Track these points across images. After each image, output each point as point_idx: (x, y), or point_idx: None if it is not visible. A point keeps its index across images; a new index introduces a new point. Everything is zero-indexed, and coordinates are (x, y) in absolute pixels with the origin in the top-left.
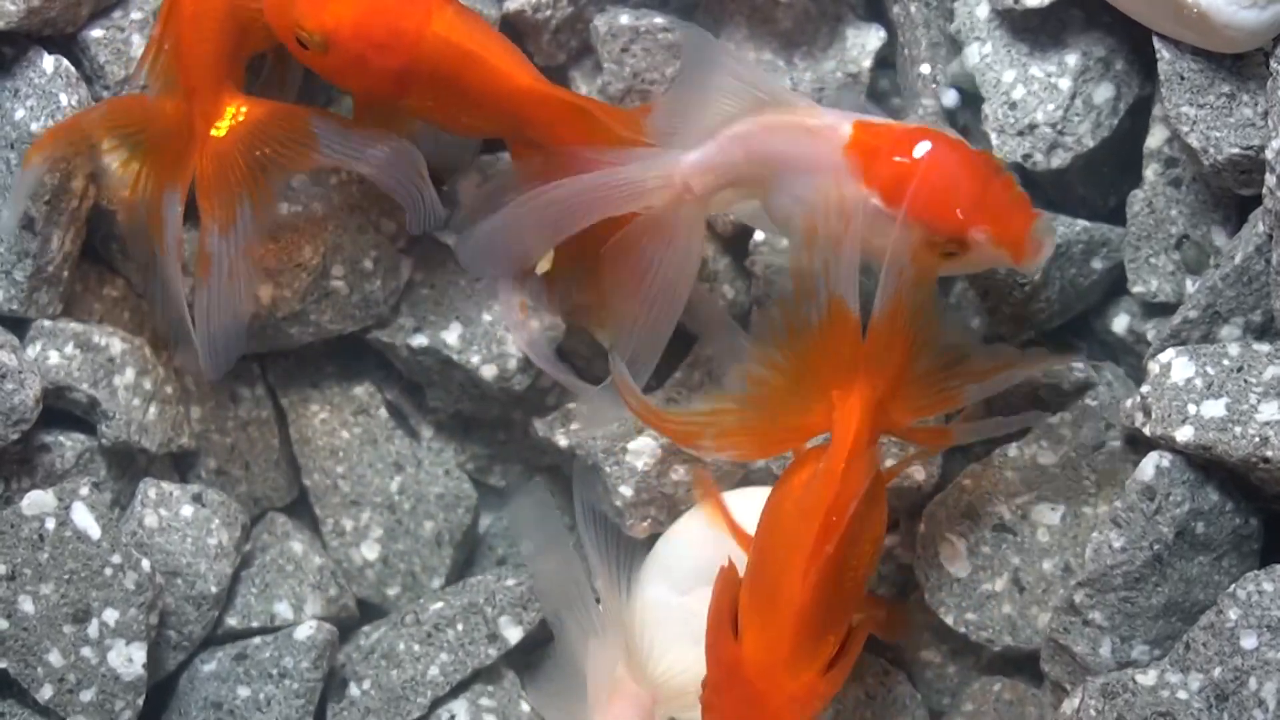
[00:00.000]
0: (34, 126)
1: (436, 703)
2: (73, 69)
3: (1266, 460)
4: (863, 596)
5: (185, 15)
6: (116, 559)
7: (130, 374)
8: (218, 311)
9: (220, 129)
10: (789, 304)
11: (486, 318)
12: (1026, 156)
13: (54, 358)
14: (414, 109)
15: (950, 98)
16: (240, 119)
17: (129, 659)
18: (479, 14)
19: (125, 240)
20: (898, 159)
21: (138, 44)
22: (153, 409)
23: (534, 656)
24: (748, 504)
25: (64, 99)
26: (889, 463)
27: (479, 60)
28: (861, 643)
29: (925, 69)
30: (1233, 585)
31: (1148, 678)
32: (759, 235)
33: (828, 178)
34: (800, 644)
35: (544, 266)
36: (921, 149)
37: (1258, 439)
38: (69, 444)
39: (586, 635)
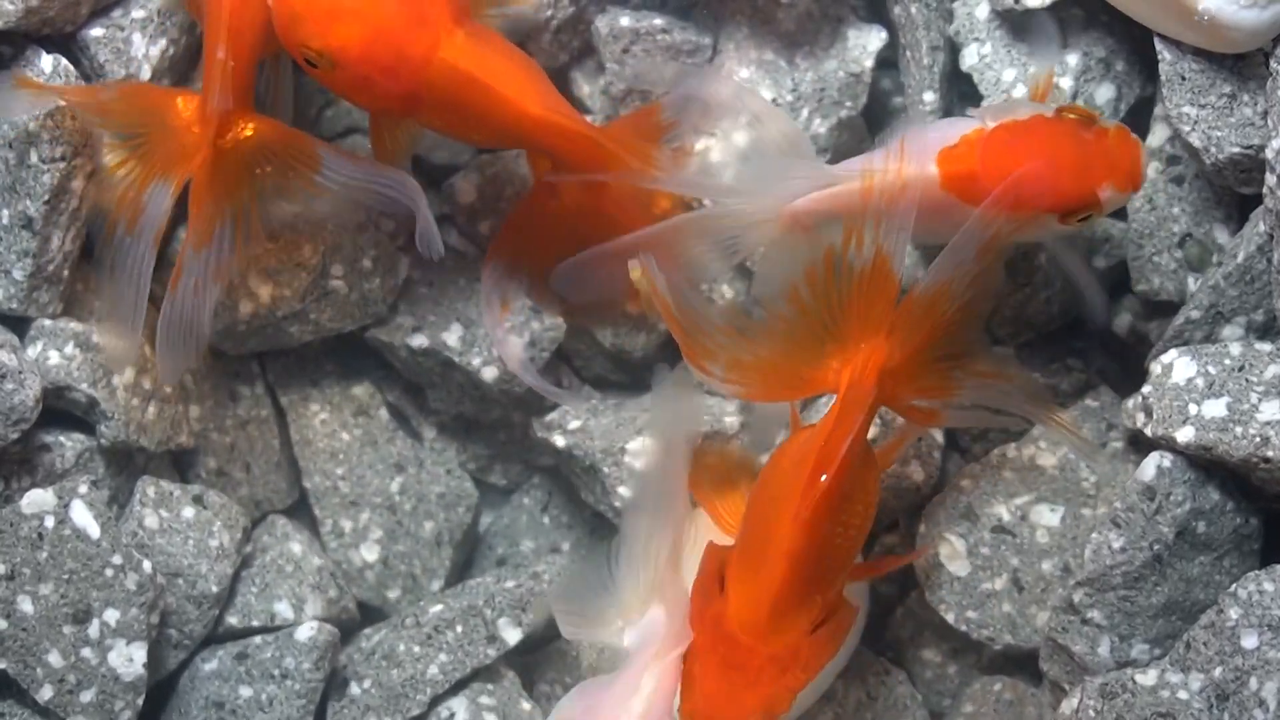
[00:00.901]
0: (33, 125)
1: (436, 700)
2: (72, 68)
3: (1267, 460)
4: (852, 562)
5: (230, 25)
6: (117, 559)
7: (130, 373)
8: (176, 322)
9: (227, 140)
10: (836, 250)
11: (484, 317)
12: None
13: (54, 358)
14: (426, 125)
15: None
16: (249, 134)
17: (129, 659)
18: (496, 35)
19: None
20: (994, 170)
21: (138, 43)
22: (151, 408)
23: (533, 657)
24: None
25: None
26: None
27: (487, 88)
28: (853, 617)
29: (929, 96)
30: (1233, 585)
31: (1147, 678)
32: None
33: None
34: (785, 600)
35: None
36: (1005, 149)
37: (1259, 439)
38: (68, 443)
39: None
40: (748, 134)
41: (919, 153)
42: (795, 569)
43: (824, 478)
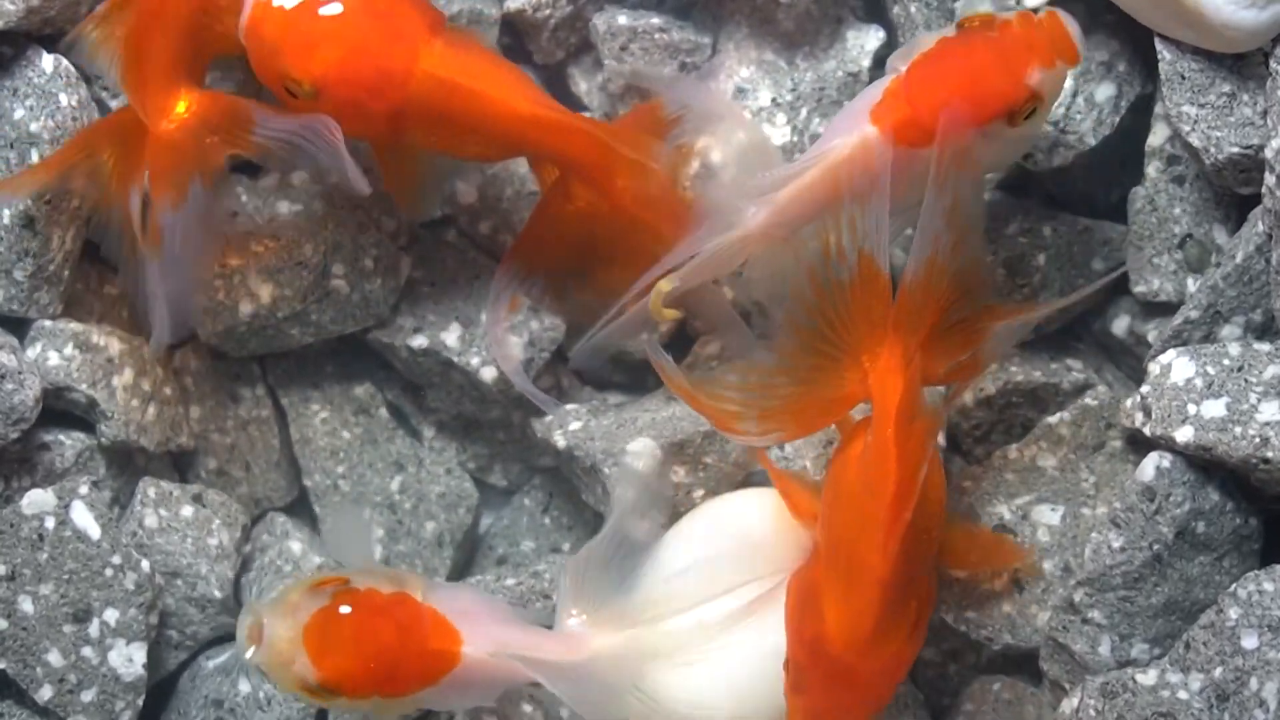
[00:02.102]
0: (33, 126)
1: None
2: (72, 68)
3: (1267, 460)
4: (934, 550)
5: (142, 13)
6: (116, 559)
7: (129, 374)
8: (171, 276)
9: (172, 121)
10: (818, 267)
11: (485, 317)
12: (1028, 155)
13: (54, 358)
14: (422, 144)
15: None
16: (191, 111)
17: (129, 659)
18: (475, 39)
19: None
20: (924, 104)
21: None
22: (151, 408)
23: None
24: (749, 505)
25: (64, 99)
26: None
27: (473, 93)
28: (934, 604)
29: None
30: (1233, 585)
31: (1148, 677)
32: None
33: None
34: (885, 616)
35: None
36: (924, 75)
37: (1258, 439)
38: (69, 444)
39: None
40: (721, 150)
41: (854, 123)
42: (889, 591)
43: (906, 514)
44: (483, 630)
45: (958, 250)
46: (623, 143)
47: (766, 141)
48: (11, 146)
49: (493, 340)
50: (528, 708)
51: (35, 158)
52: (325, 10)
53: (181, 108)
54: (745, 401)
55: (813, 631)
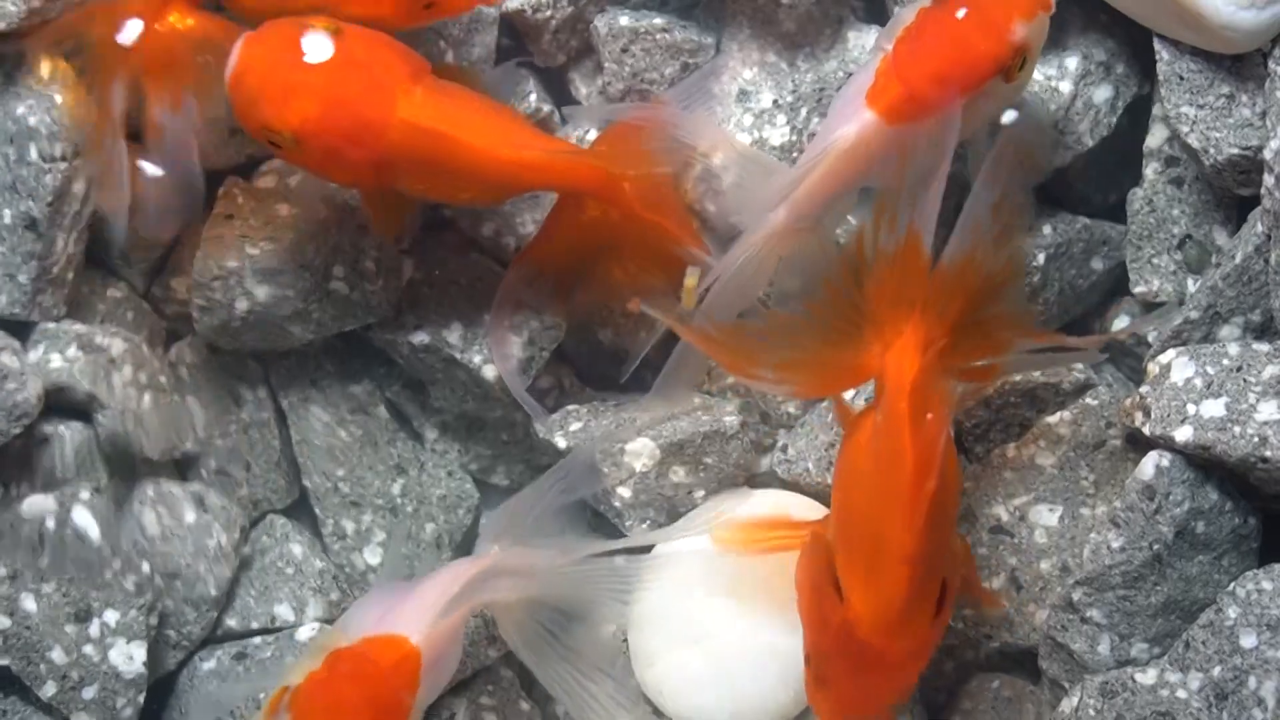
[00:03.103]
0: (32, 120)
1: (436, 701)
2: (72, 70)
3: (1265, 460)
4: (954, 528)
5: None
6: (116, 562)
7: (130, 373)
8: (168, 167)
9: (165, 26)
10: (867, 230)
11: (488, 317)
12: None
13: (56, 360)
14: (413, 191)
15: None
16: (187, 25)
17: (130, 656)
18: (460, 86)
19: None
20: (915, 78)
21: None
22: (153, 409)
23: None
24: (756, 505)
25: (63, 99)
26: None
27: (453, 141)
28: (957, 585)
29: None
30: (1232, 584)
31: (1147, 676)
32: None
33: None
34: (913, 594)
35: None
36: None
37: (1256, 439)
38: (69, 444)
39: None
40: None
41: (852, 110)
42: (916, 570)
43: (930, 485)
44: (413, 609)
45: (998, 245)
46: (616, 164)
47: (759, 155)
48: (11, 141)
49: (494, 341)
50: (525, 705)
51: (34, 154)
52: (306, 60)
53: (174, 19)
54: (765, 347)
55: (837, 618)
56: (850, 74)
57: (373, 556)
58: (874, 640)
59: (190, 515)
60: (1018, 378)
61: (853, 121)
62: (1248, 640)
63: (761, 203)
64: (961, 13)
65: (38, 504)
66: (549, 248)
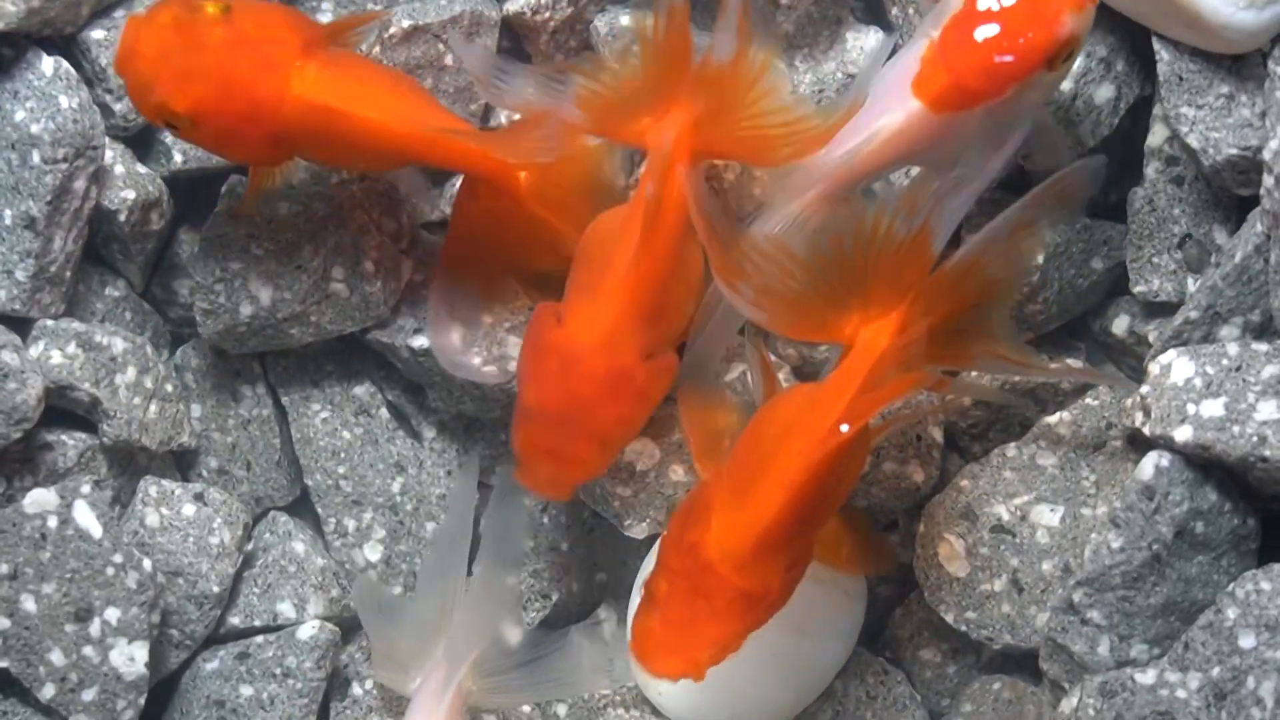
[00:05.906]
0: (34, 128)
1: None
2: (73, 71)
3: (1264, 460)
4: (834, 515)
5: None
6: (118, 558)
7: (131, 373)
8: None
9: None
10: (885, 211)
11: (486, 319)
12: (1026, 156)
13: (56, 357)
14: (310, 159)
15: None
16: None
17: (130, 658)
18: (356, 56)
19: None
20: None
21: None
22: (153, 407)
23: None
24: None
25: (64, 101)
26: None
27: (347, 115)
28: (811, 553)
29: None
30: (1231, 584)
31: (1146, 677)
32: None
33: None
34: (773, 535)
35: None
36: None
37: (1256, 438)
38: (71, 443)
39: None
40: None
41: (898, 96)
42: (791, 506)
43: (845, 428)
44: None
45: (1004, 261)
46: (501, 148)
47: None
48: (13, 148)
49: (438, 349)
50: (526, 709)
51: (36, 159)
52: (195, 41)
53: None
54: (758, 266)
55: (693, 535)
56: (849, 74)
57: (372, 553)
58: (719, 564)
59: (191, 512)
60: (1018, 377)
61: (898, 109)
62: (1246, 640)
63: (798, 186)
64: (1011, 2)
65: (40, 499)
66: (458, 245)
